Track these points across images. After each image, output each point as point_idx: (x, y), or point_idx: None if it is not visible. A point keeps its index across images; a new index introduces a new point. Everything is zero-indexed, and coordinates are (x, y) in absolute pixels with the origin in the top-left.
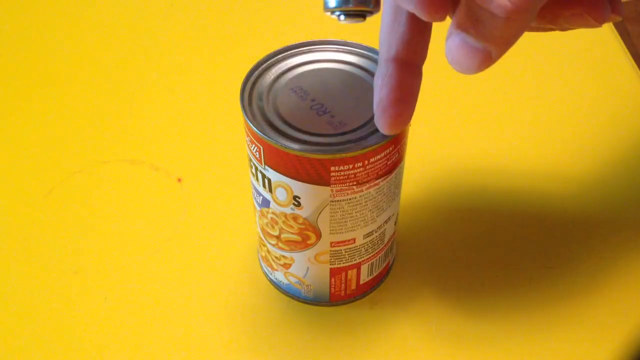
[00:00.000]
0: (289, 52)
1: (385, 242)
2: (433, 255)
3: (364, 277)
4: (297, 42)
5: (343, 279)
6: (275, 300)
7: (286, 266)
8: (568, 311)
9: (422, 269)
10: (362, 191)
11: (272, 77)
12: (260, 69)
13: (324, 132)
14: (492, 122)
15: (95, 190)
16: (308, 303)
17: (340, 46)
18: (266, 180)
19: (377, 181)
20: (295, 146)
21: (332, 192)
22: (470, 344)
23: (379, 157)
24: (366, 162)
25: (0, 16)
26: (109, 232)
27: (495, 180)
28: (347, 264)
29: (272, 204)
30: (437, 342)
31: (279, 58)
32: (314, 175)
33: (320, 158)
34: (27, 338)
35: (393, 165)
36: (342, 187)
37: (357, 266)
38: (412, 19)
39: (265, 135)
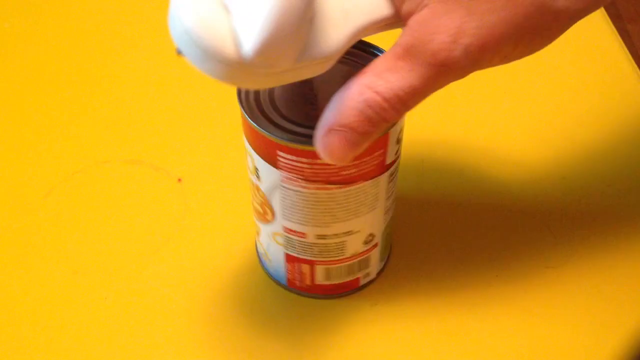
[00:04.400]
0: None
1: (348, 256)
2: (432, 256)
3: (320, 279)
4: None
5: (297, 269)
6: (275, 299)
7: (258, 234)
8: (568, 311)
9: (421, 269)
10: (310, 189)
11: None
12: None
13: (295, 119)
14: (491, 121)
15: (95, 190)
16: (270, 278)
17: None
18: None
19: (329, 186)
20: (254, 119)
21: (282, 177)
22: (470, 344)
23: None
24: (312, 160)
25: (0, 16)
26: (109, 232)
27: (496, 180)
28: (300, 256)
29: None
30: (437, 342)
31: None
32: (266, 153)
33: (270, 139)
34: (27, 338)
35: (349, 178)
36: (290, 177)
37: (311, 264)
38: None
39: (241, 98)
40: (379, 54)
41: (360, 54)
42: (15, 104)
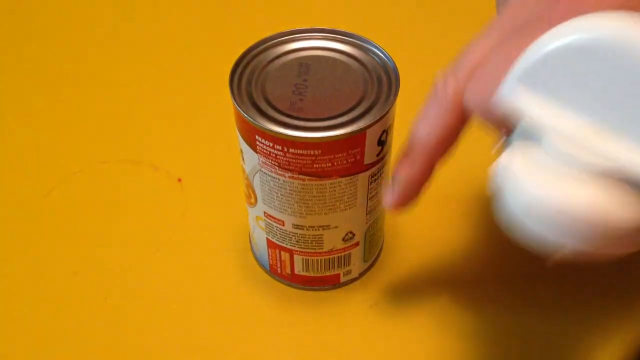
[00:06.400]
0: (307, 35)
1: (326, 250)
2: (432, 255)
3: (299, 269)
4: (319, 27)
5: (278, 256)
6: (274, 298)
7: (248, 217)
8: (567, 310)
9: (422, 269)
10: (285, 177)
11: (285, 50)
12: (272, 42)
13: (279, 106)
14: None
15: (95, 190)
16: (257, 263)
17: (361, 42)
18: None
19: (302, 177)
20: (238, 101)
21: (259, 161)
22: (469, 344)
23: (299, 152)
24: (285, 148)
25: (0, 16)
26: (109, 232)
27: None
28: (280, 244)
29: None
30: (437, 342)
31: (299, 37)
32: (247, 136)
33: (248, 122)
34: (27, 338)
35: (322, 172)
36: (266, 162)
37: (290, 252)
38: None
39: (233, 79)
40: (377, 50)
41: (358, 51)
42: (15, 103)
